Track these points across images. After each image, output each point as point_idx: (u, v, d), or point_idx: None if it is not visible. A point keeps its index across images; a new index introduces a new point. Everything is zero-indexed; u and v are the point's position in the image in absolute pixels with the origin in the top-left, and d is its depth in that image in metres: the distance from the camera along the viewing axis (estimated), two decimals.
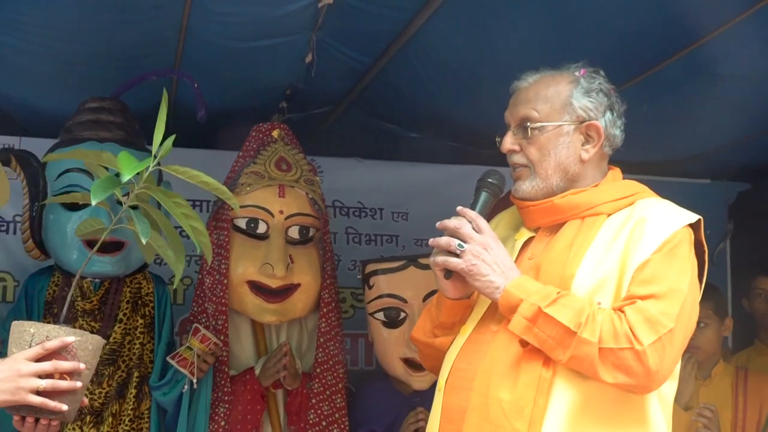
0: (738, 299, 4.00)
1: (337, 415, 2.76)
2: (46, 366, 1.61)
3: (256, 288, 2.71)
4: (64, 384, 1.64)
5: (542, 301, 1.71)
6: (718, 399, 2.96)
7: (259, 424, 2.73)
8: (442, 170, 3.88)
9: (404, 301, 2.84)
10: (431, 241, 1.82)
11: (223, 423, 2.65)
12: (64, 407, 1.64)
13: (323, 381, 2.76)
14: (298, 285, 2.75)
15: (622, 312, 1.71)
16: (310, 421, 2.72)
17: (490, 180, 1.89)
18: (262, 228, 2.74)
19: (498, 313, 1.84)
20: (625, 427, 1.78)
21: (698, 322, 2.96)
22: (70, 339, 1.66)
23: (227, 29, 2.48)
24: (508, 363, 1.78)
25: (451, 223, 1.79)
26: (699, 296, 1.85)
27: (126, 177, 1.65)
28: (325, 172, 3.73)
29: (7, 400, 1.62)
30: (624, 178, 2.00)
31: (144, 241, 1.70)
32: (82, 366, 1.66)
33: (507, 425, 1.73)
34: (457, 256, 1.78)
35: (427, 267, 2.79)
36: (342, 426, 2.76)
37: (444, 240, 1.78)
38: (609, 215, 1.88)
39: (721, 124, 3.30)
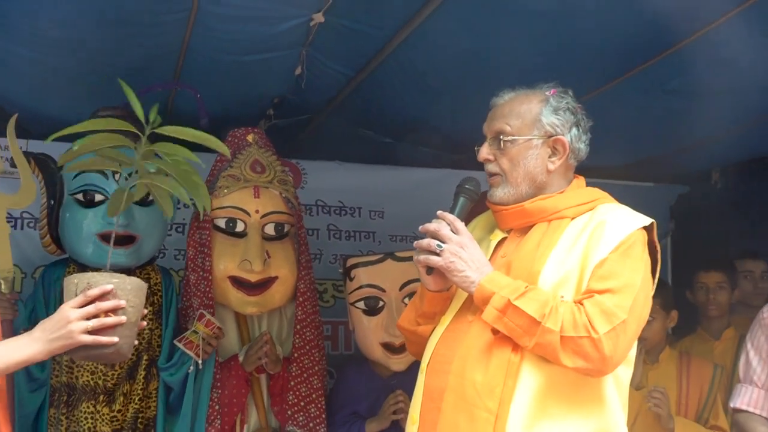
0: (679, 290, 4.02)
1: (314, 396, 2.78)
2: (90, 309, 1.67)
3: (237, 282, 2.71)
4: (110, 320, 1.69)
5: (512, 294, 1.76)
6: (665, 380, 3.01)
7: (244, 406, 2.75)
8: (415, 173, 3.92)
9: (382, 290, 2.87)
10: (415, 243, 1.87)
11: (217, 407, 2.67)
12: (115, 339, 1.69)
13: (300, 364, 2.78)
14: (276, 278, 2.76)
15: (582, 304, 1.76)
16: (290, 402, 2.74)
17: (467, 186, 1.94)
18: (240, 227, 2.74)
19: (473, 305, 1.89)
20: (583, 406, 1.82)
21: (648, 316, 3.04)
22: (109, 286, 1.71)
23: (225, 45, 2.49)
24: (481, 349, 1.83)
25: (432, 226, 1.84)
26: (651, 291, 1.91)
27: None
28: (308, 174, 3.79)
29: (64, 345, 1.68)
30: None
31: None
32: (122, 303, 1.71)
33: (480, 404, 1.78)
34: (438, 254, 1.82)
35: (402, 260, 2.86)
36: (319, 405, 2.78)
37: (425, 241, 1.83)
38: (572, 218, 1.93)
39: (663, 134, 3.40)
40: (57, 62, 2.57)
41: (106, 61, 2.57)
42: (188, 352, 2.56)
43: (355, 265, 2.93)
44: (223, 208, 2.72)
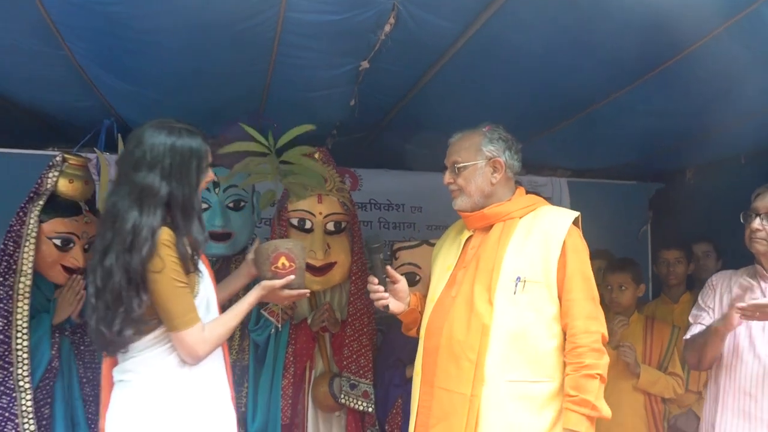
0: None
1: (363, 351, 2.85)
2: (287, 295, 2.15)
3: (306, 266, 2.73)
4: (295, 292, 2.14)
5: (588, 410, 1.92)
6: (634, 338, 3.07)
7: (311, 356, 2.85)
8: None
9: (419, 267, 2.91)
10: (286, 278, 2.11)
11: (291, 359, 2.78)
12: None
13: (353, 327, 2.86)
14: (335, 263, 2.81)
15: (574, 339, 1.95)
16: (345, 355, 2.83)
17: (373, 246, 2.19)
18: (308, 225, 2.81)
19: (454, 285, 2.05)
20: (536, 356, 1.95)
21: (620, 285, 3.12)
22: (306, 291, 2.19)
23: (297, 85, 2.56)
24: (463, 318, 1.98)
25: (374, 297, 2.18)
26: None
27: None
28: (363, 179, 3.84)
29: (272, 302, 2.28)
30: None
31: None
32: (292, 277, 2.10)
33: (464, 356, 1.94)
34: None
35: (434, 245, 2.83)
36: (367, 358, 2.85)
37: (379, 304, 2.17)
38: (520, 218, 2.07)
39: (641, 143, 3.39)
40: (175, 102, 2.65)
41: (209, 99, 2.66)
42: (270, 318, 2.68)
43: (399, 249, 2.98)
44: (296, 210, 2.82)
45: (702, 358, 2.36)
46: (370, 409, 2.77)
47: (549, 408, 1.93)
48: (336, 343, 2.90)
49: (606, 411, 1.90)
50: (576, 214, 2.05)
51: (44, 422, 2.36)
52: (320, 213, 2.83)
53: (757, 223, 2.26)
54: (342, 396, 2.76)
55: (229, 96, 2.67)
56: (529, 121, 2.97)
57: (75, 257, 2.48)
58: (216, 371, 1.98)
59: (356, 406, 2.76)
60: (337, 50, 2.25)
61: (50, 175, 2.43)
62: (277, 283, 2.07)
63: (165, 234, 1.83)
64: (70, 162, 2.50)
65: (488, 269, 2.02)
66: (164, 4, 1.90)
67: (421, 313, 2.24)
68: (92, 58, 2.34)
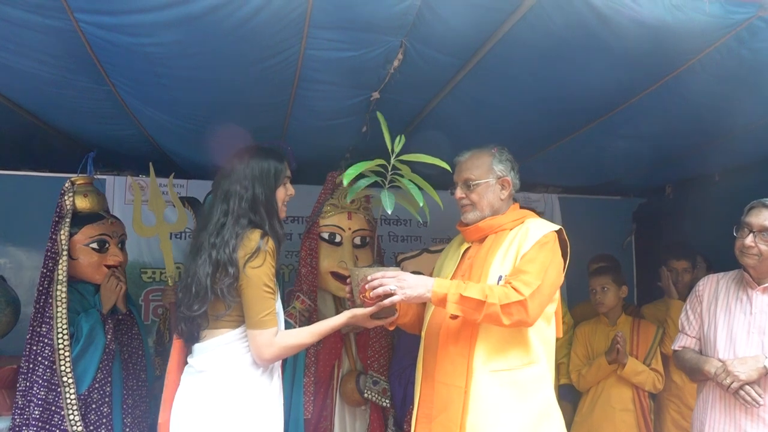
0: (641, 272, 4.04)
1: (383, 351, 2.87)
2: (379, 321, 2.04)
3: (336, 275, 2.81)
4: (386, 321, 2.04)
5: (459, 289, 1.88)
6: None
7: (339, 354, 2.85)
8: (445, 194, 3.91)
9: (423, 274, 2.85)
10: (378, 305, 1.94)
11: (313, 358, 2.78)
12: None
13: (375, 330, 2.85)
14: None
15: (509, 282, 1.91)
16: (369, 355, 2.84)
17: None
18: (338, 239, 2.84)
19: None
20: (517, 349, 1.95)
21: (602, 287, 3.11)
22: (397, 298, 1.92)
23: (315, 115, 2.58)
24: (453, 325, 1.99)
25: (375, 282, 1.92)
26: (562, 267, 2.02)
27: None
28: (374, 197, 3.85)
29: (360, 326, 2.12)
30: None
31: (389, 211, 2.06)
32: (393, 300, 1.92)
33: (457, 351, 1.97)
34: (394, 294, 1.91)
35: (434, 252, 2.91)
36: (387, 357, 2.86)
37: (386, 301, 1.92)
38: (510, 229, 2.07)
39: (624, 163, 3.39)
40: (206, 130, 2.68)
41: (237, 128, 2.62)
42: (290, 320, 2.69)
43: (403, 259, 2.99)
44: (327, 225, 2.85)
45: (693, 378, 2.41)
46: (386, 404, 2.80)
47: (536, 394, 1.95)
48: (361, 343, 2.92)
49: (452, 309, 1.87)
50: (557, 226, 2.06)
51: (107, 399, 2.42)
52: (349, 228, 2.86)
53: (749, 240, 2.22)
54: (366, 391, 2.79)
55: (255, 125, 2.69)
56: (523, 144, 2.98)
57: (114, 254, 2.57)
58: (274, 383, 2.00)
59: (378, 401, 2.80)
60: (351, 83, 2.27)
61: (66, 198, 2.50)
62: (366, 312, 1.97)
63: (271, 243, 1.91)
64: (78, 182, 2.60)
65: (478, 275, 2.05)
66: (197, 46, 1.93)
67: (408, 315, 2.26)
68: (133, 92, 2.38)
